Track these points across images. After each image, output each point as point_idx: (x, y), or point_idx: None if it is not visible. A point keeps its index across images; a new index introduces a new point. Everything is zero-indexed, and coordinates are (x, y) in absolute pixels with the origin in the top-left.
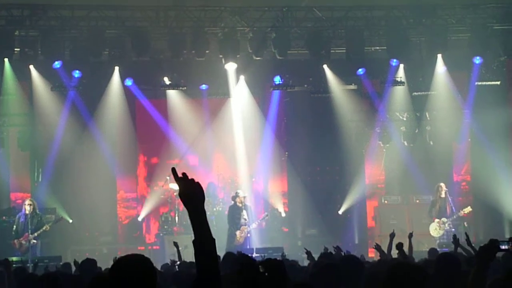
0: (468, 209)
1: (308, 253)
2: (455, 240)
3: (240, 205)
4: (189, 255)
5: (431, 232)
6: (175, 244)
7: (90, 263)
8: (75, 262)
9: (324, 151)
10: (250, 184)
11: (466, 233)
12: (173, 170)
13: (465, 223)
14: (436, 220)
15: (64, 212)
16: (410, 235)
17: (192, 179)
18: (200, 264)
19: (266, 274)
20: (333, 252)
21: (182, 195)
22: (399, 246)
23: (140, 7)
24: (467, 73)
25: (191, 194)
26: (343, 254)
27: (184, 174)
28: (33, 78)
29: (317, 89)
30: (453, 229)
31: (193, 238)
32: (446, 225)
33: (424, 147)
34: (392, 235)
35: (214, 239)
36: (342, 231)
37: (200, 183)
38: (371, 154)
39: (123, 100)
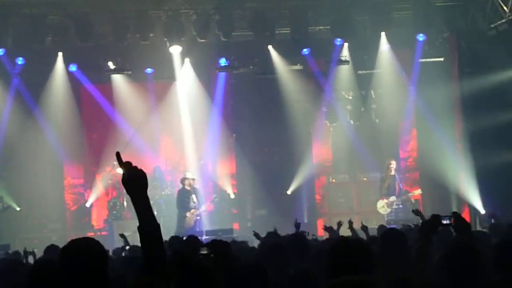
0: (418, 192)
1: (256, 234)
2: (417, 212)
3: (189, 188)
4: (138, 240)
5: (378, 210)
6: (122, 235)
7: (54, 249)
8: (25, 251)
9: (272, 132)
10: (199, 167)
11: (414, 210)
12: (117, 155)
13: (412, 199)
14: (385, 199)
15: (11, 200)
16: (350, 223)
17: (135, 166)
18: (145, 249)
19: (212, 255)
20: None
21: (125, 181)
22: (350, 223)
23: None
24: (411, 51)
25: (134, 180)
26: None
27: (128, 161)
28: None
29: (262, 70)
30: (401, 206)
31: None
32: (394, 204)
33: (370, 125)
34: (339, 224)
35: (158, 224)
36: (291, 211)
37: (144, 169)
38: (318, 134)
39: (67, 86)
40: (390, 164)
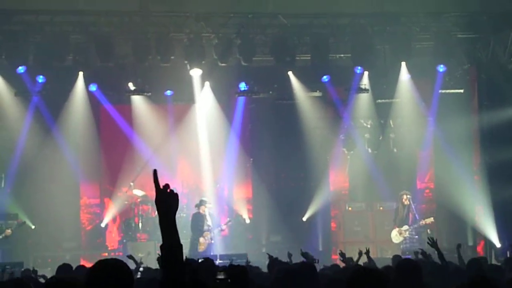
0: (430, 220)
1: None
2: (433, 242)
3: (203, 212)
4: (151, 262)
5: (392, 238)
6: (130, 257)
7: (66, 268)
8: (34, 270)
9: (289, 157)
10: (215, 190)
11: (430, 238)
12: (155, 172)
13: (428, 230)
14: (397, 228)
15: (26, 217)
16: (368, 252)
17: (171, 189)
18: (166, 269)
19: (229, 280)
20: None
21: (158, 201)
22: (367, 252)
23: (104, 12)
24: (431, 81)
25: (166, 201)
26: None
27: (166, 184)
28: None
29: (282, 95)
30: (416, 236)
31: (157, 244)
32: (407, 233)
33: (388, 154)
34: (360, 254)
35: (181, 245)
36: (306, 237)
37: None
38: (335, 161)
39: (87, 106)
40: (403, 195)
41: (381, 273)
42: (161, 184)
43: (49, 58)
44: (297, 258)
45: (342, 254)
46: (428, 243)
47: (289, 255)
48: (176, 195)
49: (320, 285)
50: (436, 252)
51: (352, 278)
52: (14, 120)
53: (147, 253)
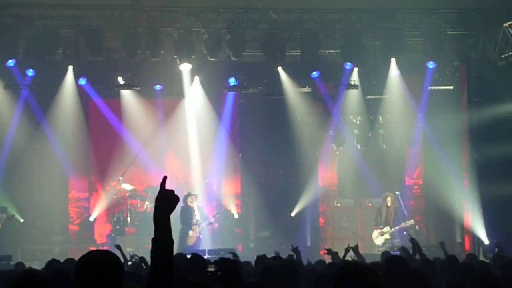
0: (410, 222)
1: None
2: (413, 241)
3: (192, 205)
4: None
5: (373, 240)
6: (117, 247)
7: (54, 263)
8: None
9: (278, 153)
10: (204, 185)
11: (411, 239)
12: (164, 179)
13: (416, 226)
14: (378, 229)
15: (15, 211)
16: (356, 248)
17: (173, 190)
18: (156, 263)
19: (219, 273)
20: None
21: (158, 198)
22: (355, 248)
23: (96, 6)
24: (421, 78)
25: (168, 201)
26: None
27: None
28: None
29: (271, 91)
30: (398, 239)
31: (146, 238)
32: (388, 234)
33: (377, 150)
34: (347, 250)
35: (173, 240)
36: (294, 233)
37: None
38: (324, 157)
39: (76, 100)
40: (387, 197)
41: (371, 267)
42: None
43: (40, 52)
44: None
45: (328, 250)
46: (409, 240)
47: (276, 254)
48: (178, 198)
49: (308, 281)
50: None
51: (342, 273)
52: (3, 114)
53: (135, 247)
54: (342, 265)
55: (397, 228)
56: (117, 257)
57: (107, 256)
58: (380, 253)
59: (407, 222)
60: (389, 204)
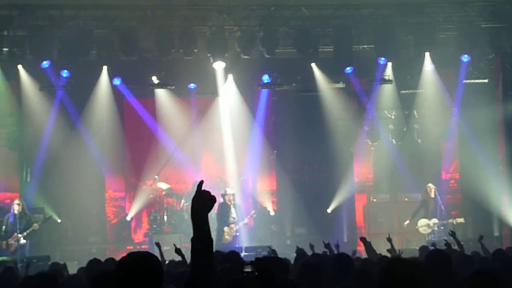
0: (460, 220)
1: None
2: (453, 233)
3: (229, 203)
4: (174, 256)
5: (419, 229)
6: (157, 244)
7: (95, 262)
8: (65, 266)
9: (313, 149)
10: (239, 183)
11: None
12: (201, 182)
13: (454, 221)
14: (426, 220)
15: (52, 211)
16: (388, 239)
17: (210, 193)
18: (195, 262)
19: (256, 273)
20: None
21: (195, 198)
22: (389, 239)
23: (128, 6)
24: (455, 71)
25: (205, 201)
26: (333, 251)
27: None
28: (21, 78)
29: (305, 87)
30: (442, 227)
31: (182, 236)
32: (436, 226)
33: (412, 145)
34: (389, 239)
35: (212, 239)
36: (331, 229)
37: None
38: (359, 152)
39: (111, 100)
40: (429, 187)
41: (418, 263)
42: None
43: (74, 53)
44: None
45: (363, 240)
46: (449, 233)
47: (311, 246)
48: (214, 197)
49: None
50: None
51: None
52: (39, 115)
53: (172, 246)
54: (390, 260)
55: (446, 221)
56: (158, 260)
57: (147, 259)
58: (417, 248)
59: (457, 219)
60: (432, 195)
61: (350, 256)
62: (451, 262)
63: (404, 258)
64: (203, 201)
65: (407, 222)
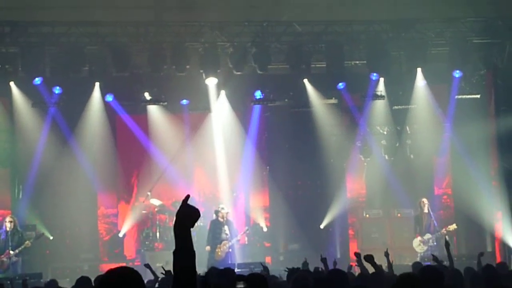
0: (453, 226)
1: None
2: (446, 243)
3: (222, 220)
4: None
5: (415, 248)
6: (147, 266)
7: (84, 280)
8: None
9: (305, 165)
10: (232, 199)
11: (446, 241)
12: (187, 197)
13: (446, 236)
14: (419, 237)
15: (44, 228)
16: (386, 254)
17: (195, 208)
18: (179, 275)
19: None
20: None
21: (180, 213)
22: (386, 254)
23: (120, 23)
24: (447, 87)
25: (189, 216)
26: (327, 267)
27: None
28: (13, 95)
29: (297, 103)
30: (435, 243)
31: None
32: (430, 241)
33: (405, 160)
34: (386, 254)
35: (194, 252)
36: (324, 245)
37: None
38: (352, 168)
39: (103, 116)
40: (422, 202)
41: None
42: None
43: (66, 69)
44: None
45: (357, 255)
46: (444, 244)
47: (305, 264)
48: (199, 212)
49: None
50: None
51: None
52: (31, 131)
53: (165, 262)
54: (400, 275)
55: (439, 233)
56: (138, 274)
57: (127, 274)
58: (410, 264)
59: (449, 227)
60: (425, 210)
61: (345, 272)
62: (443, 279)
63: (413, 274)
64: (187, 215)
65: (417, 239)
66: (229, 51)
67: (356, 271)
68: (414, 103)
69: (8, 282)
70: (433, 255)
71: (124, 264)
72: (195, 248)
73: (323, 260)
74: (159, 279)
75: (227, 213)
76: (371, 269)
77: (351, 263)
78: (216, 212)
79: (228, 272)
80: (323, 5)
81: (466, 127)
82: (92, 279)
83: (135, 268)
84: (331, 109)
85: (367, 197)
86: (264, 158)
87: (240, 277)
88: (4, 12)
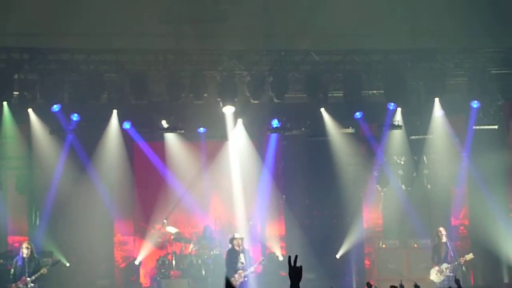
0: (470, 256)
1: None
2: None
3: (238, 248)
4: None
5: (432, 278)
6: None
7: None
8: None
9: (322, 194)
10: (248, 228)
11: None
12: (295, 257)
13: (463, 267)
14: (437, 266)
15: (61, 255)
16: (401, 286)
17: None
18: None
19: None
20: None
21: (292, 272)
22: (401, 286)
23: (139, 51)
24: (465, 117)
25: (297, 274)
26: None
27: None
28: (31, 121)
29: (314, 132)
30: (452, 274)
31: (190, 281)
32: (447, 271)
33: (422, 190)
34: (401, 286)
35: None
36: (340, 275)
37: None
38: (369, 198)
39: (121, 143)
40: (439, 231)
41: None
42: None
43: (84, 96)
44: None
45: (369, 285)
46: (455, 281)
47: None
48: (301, 268)
49: None
50: None
51: None
52: (49, 158)
53: None
54: None
55: (456, 263)
56: None
57: None
58: None
59: (466, 256)
60: (443, 239)
61: None
62: None
63: None
64: (298, 272)
65: (434, 268)
66: (246, 79)
67: None
68: (431, 133)
69: None
70: (457, 281)
71: None
72: (210, 277)
73: None
74: None
75: (242, 239)
76: None
77: None
78: (231, 240)
79: None
80: (341, 34)
81: (483, 158)
82: None
83: None
84: (348, 138)
85: (383, 227)
86: (280, 186)
87: None
88: (23, 39)
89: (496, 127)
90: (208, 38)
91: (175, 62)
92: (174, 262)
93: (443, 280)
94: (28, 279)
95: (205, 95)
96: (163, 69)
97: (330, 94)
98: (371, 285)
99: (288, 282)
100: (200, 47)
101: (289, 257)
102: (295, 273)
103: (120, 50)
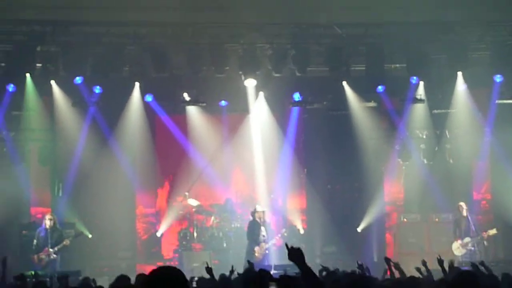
0: (493, 231)
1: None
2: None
3: (259, 220)
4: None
5: (454, 252)
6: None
7: (124, 279)
8: (93, 280)
9: (343, 168)
10: (269, 201)
11: (473, 264)
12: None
13: (485, 242)
14: (459, 240)
15: (83, 227)
16: (424, 263)
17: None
18: None
19: None
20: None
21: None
22: (424, 263)
23: (158, 24)
24: (488, 91)
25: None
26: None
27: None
28: (54, 94)
29: (336, 106)
30: (474, 248)
31: (211, 253)
32: (469, 245)
33: (443, 165)
34: (424, 263)
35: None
36: (360, 249)
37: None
38: (390, 172)
39: (143, 116)
40: (460, 205)
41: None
42: None
43: (106, 69)
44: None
45: (387, 260)
46: (478, 263)
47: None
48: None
49: None
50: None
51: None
52: (71, 130)
53: (201, 263)
54: (461, 271)
55: (478, 238)
56: (183, 275)
57: (173, 274)
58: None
59: (489, 231)
60: (464, 213)
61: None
62: (478, 283)
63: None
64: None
65: (457, 242)
66: (268, 52)
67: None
68: (454, 107)
69: (48, 279)
70: (472, 263)
71: (161, 264)
72: (232, 249)
73: (360, 267)
74: (196, 278)
75: (263, 212)
76: (409, 273)
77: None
78: (253, 213)
79: (263, 274)
80: (363, 7)
81: (506, 132)
82: (129, 278)
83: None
84: (370, 112)
85: (405, 201)
86: (301, 160)
87: (272, 278)
88: (46, 12)
89: None
90: (223, 9)
91: (196, 35)
92: (195, 234)
93: (465, 254)
94: (51, 250)
95: (227, 68)
96: (183, 42)
97: (352, 68)
98: (389, 260)
99: (307, 254)
100: (220, 20)
101: (286, 243)
102: (296, 255)
103: (139, 22)
